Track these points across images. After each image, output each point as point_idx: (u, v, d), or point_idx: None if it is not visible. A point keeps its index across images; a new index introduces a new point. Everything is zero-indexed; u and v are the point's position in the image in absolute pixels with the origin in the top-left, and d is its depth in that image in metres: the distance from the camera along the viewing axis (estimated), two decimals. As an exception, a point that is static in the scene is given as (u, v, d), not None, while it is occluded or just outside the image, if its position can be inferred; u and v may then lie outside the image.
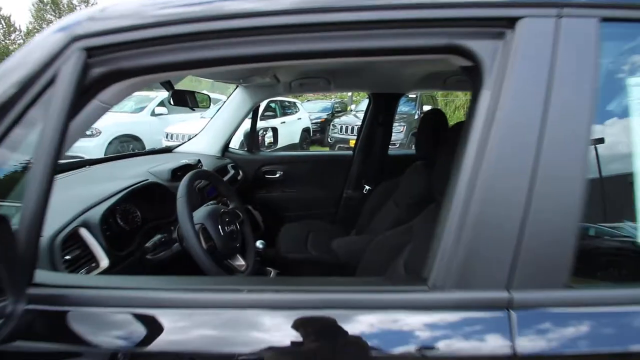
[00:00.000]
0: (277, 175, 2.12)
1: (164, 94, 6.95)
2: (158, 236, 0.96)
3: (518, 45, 0.48)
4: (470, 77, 0.55)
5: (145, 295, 0.50)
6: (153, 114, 6.69)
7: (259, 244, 1.44)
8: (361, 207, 1.91)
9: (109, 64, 0.51)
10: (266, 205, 2.17)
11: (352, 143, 6.56)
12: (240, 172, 2.04)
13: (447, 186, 0.55)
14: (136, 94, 7.26)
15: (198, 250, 0.83)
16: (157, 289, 0.52)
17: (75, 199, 0.90)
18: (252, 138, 2.12)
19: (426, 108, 7.61)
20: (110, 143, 5.89)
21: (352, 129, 6.68)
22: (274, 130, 2.33)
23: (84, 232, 0.82)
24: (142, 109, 6.74)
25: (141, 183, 1.07)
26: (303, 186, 2.17)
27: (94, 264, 0.81)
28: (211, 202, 1.23)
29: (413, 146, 7.12)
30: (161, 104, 6.81)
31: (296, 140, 7.58)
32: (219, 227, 0.96)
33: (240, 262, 1.08)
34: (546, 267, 0.48)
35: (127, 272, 0.87)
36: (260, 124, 2.41)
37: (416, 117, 7.28)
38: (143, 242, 0.95)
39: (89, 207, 0.87)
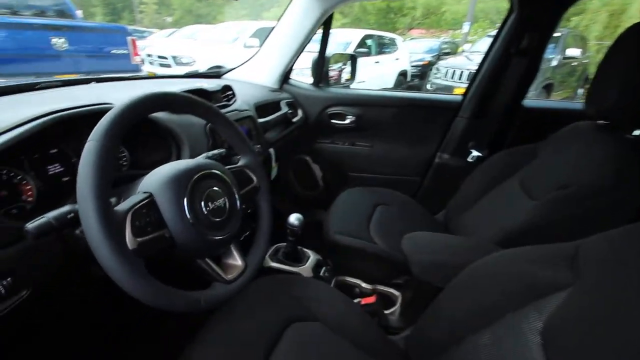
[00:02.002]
0: (348, 121, 1.57)
1: (258, 24, 6.64)
2: None
3: None
4: None
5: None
6: (245, 46, 6.47)
7: (293, 219, 0.99)
8: (459, 182, 1.28)
9: None
10: (328, 159, 1.68)
11: (458, 92, 5.37)
12: (300, 112, 1.56)
13: None
14: (238, 23, 7.09)
15: (103, 247, 0.41)
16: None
17: None
18: (320, 67, 1.57)
19: (571, 52, 5.67)
20: (203, 73, 5.97)
21: (461, 74, 5.41)
22: (353, 59, 1.72)
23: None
24: (237, 39, 6.57)
25: (89, 107, 0.66)
26: (380, 139, 1.58)
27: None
28: (217, 151, 0.78)
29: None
30: (255, 35, 6.51)
31: (389, 85, 6.66)
32: (186, 202, 0.51)
33: (234, 260, 0.64)
34: None
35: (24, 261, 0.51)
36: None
37: (554, 63, 5.49)
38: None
39: None
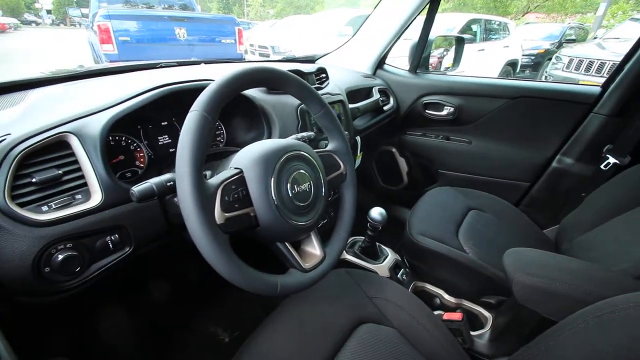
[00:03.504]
0: (445, 112, 1.42)
1: (353, 12, 6.56)
2: None
3: None
4: None
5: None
6: (339, 34, 6.47)
7: (375, 213, 0.93)
8: (583, 193, 1.04)
9: None
10: (417, 153, 1.55)
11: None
12: (391, 100, 1.46)
13: None
14: (334, 12, 7.12)
15: (193, 216, 0.41)
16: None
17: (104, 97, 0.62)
18: (420, 50, 1.43)
19: None
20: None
21: (590, 65, 4.46)
22: (459, 41, 1.53)
23: (74, 142, 0.53)
24: (331, 28, 6.60)
25: (195, 82, 0.70)
26: (481, 135, 1.39)
27: (79, 196, 0.53)
28: (306, 134, 0.76)
29: None
30: (349, 23, 6.46)
31: (493, 76, 5.90)
32: (272, 181, 0.50)
33: (313, 249, 0.61)
34: None
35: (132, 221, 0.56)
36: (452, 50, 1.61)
37: None
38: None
39: (94, 111, 0.58)
